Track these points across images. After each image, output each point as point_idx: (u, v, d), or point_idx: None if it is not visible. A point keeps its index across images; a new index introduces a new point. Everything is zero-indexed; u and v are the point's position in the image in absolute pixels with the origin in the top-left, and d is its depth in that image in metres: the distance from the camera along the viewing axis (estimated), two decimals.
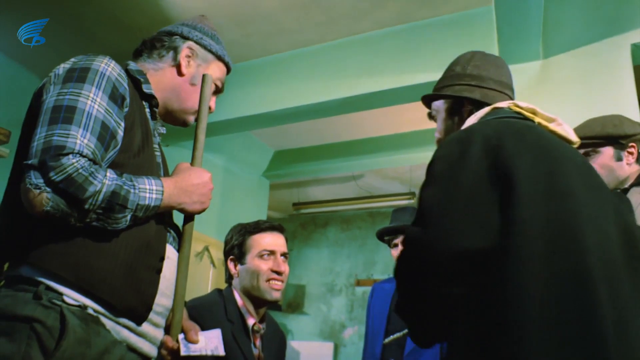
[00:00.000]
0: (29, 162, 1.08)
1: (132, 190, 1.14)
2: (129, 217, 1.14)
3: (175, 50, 1.44)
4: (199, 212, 1.32)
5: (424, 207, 1.08)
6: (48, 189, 1.05)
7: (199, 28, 1.50)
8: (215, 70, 1.50)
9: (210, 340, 1.41)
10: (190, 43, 1.46)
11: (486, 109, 1.36)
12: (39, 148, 1.08)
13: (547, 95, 2.93)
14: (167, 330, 1.34)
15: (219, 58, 1.51)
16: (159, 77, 1.42)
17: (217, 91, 1.52)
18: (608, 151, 2.06)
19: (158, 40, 1.46)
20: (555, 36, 2.95)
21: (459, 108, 1.45)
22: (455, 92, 1.45)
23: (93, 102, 1.16)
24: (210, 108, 1.46)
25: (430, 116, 1.58)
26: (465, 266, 1.01)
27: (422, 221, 1.06)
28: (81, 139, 1.11)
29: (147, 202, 1.16)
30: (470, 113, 1.40)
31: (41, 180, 1.06)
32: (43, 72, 3.94)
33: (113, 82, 1.22)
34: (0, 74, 3.75)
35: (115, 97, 1.21)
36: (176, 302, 1.31)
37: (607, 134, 2.06)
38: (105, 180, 1.10)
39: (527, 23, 2.74)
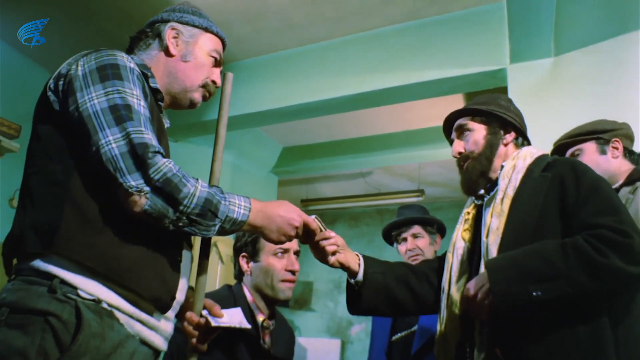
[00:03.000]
0: (120, 165, 1.10)
1: (223, 202, 1.19)
2: (217, 227, 1.19)
3: (160, 35, 1.44)
4: (276, 242, 1.34)
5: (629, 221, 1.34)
6: (147, 189, 1.10)
7: (179, 9, 1.50)
8: (207, 43, 1.47)
9: (234, 316, 1.46)
10: (172, 24, 1.45)
11: (541, 151, 1.66)
12: (122, 150, 1.11)
13: (558, 93, 2.91)
14: (184, 313, 1.36)
15: (206, 30, 1.48)
16: (154, 66, 1.42)
17: (217, 64, 1.50)
18: (591, 146, 2.10)
19: (142, 33, 1.47)
20: (567, 33, 2.92)
21: (504, 133, 1.71)
22: (512, 120, 1.72)
23: (137, 99, 1.19)
24: (214, 83, 1.47)
25: (461, 128, 1.75)
26: None
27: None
28: (150, 135, 1.15)
29: (235, 216, 1.21)
30: (513, 138, 1.71)
31: (141, 181, 1.10)
32: (54, 68, 3.93)
33: (137, 75, 1.24)
34: (11, 69, 3.77)
35: (145, 92, 1.24)
36: (198, 281, 1.35)
37: (585, 131, 2.12)
38: (198, 186, 1.16)
39: (539, 20, 2.72)
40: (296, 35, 3.63)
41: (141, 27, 1.51)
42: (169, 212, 1.12)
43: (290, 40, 3.70)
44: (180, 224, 1.14)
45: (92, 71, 1.19)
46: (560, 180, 1.48)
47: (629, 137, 2.13)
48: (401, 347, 2.59)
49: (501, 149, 1.69)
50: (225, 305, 1.92)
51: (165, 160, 1.13)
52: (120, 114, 1.14)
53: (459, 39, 3.24)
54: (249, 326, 1.45)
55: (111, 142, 1.11)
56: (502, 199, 1.56)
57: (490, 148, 1.69)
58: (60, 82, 1.22)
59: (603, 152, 2.08)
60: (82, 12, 3.43)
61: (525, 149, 1.68)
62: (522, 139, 1.75)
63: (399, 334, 2.59)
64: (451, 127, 1.80)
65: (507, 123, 1.71)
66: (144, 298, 1.16)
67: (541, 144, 2.59)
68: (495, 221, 1.54)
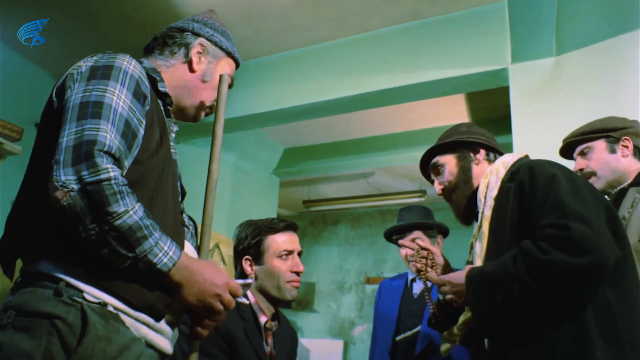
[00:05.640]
0: (59, 157, 1.06)
1: (150, 239, 1.09)
2: (128, 262, 1.08)
3: (187, 47, 1.45)
4: (189, 305, 1.19)
5: (587, 214, 1.30)
6: (74, 187, 1.03)
7: (210, 24, 1.51)
8: (225, 67, 1.51)
9: None
10: (201, 40, 1.47)
11: (517, 156, 1.68)
12: (69, 144, 1.07)
13: (560, 92, 2.91)
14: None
15: (229, 54, 1.53)
16: (171, 74, 1.43)
17: (228, 87, 1.52)
18: (600, 144, 2.07)
19: (169, 37, 1.47)
20: (568, 33, 2.92)
21: (474, 154, 1.77)
22: (476, 139, 1.78)
23: (118, 98, 1.16)
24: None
25: (435, 167, 1.83)
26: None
27: (590, 225, 1.28)
28: (110, 134, 1.10)
29: (155, 260, 1.10)
30: (484, 156, 1.77)
31: (72, 178, 1.04)
32: (55, 70, 3.96)
33: (136, 80, 1.22)
34: (13, 72, 3.77)
35: (138, 95, 1.21)
36: None
37: (595, 128, 2.09)
38: (131, 211, 1.07)
39: (541, 19, 2.72)
40: (298, 36, 3.63)
41: (158, 30, 1.51)
42: (87, 220, 1.03)
43: (292, 41, 3.70)
44: (94, 239, 1.05)
45: (85, 71, 1.20)
46: (520, 187, 1.49)
47: (639, 135, 2.09)
48: (405, 347, 2.59)
49: (475, 169, 1.75)
50: None
51: (109, 165, 1.05)
52: (87, 110, 1.11)
53: (461, 39, 3.23)
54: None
55: (65, 136, 1.08)
56: (481, 221, 1.59)
57: (464, 172, 1.75)
58: (63, 83, 1.23)
59: (613, 151, 2.04)
60: (83, 14, 3.43)
61: (497, 161, 1.70)
62: (494, 153, 1.79)
63: (403, 335, 2.59)
64: (428, 170, 1.88)
65: (472, 144, 1.77)
66: (135, 306, 1.13)
67: (542, 143, 2.59)
68: (478, 245, 1.57)
